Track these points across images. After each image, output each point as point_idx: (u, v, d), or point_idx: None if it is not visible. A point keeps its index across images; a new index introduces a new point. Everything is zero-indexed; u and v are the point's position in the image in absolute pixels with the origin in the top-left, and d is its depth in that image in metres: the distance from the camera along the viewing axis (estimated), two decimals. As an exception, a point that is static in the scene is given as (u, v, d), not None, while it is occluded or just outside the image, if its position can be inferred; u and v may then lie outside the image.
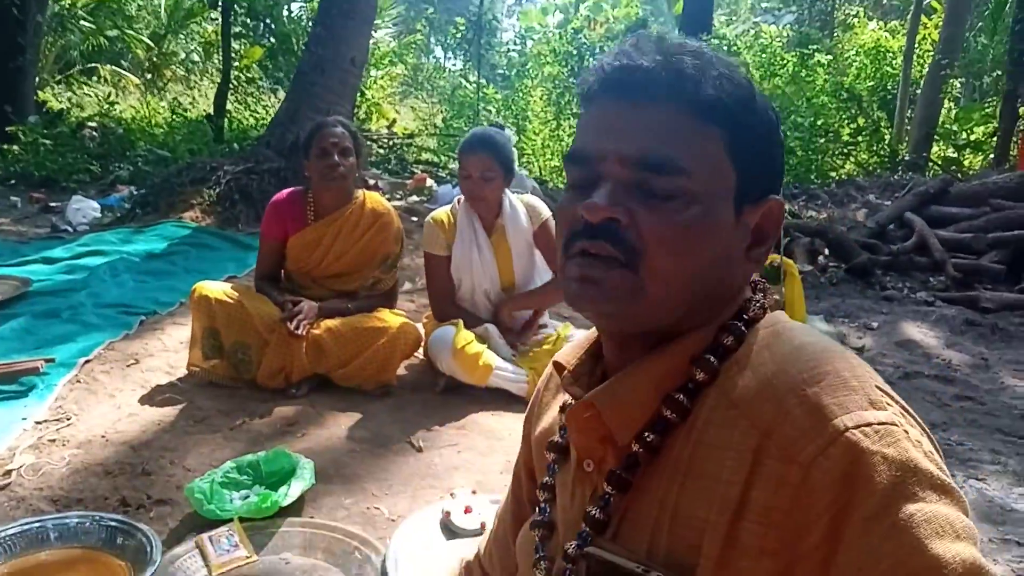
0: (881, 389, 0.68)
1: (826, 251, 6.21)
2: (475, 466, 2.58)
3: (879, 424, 0.64)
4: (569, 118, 12.51)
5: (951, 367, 3.99)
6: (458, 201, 3.31)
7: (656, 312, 0.75)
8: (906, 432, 0.65)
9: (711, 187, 0.73)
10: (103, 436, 2.64)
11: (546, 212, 3.34)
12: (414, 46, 15.69)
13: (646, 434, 0.74)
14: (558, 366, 0.88)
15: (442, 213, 3.33)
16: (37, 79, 11.09)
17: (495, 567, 1.10)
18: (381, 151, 10.14)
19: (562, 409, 0.90)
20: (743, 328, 0.76)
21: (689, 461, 0.71)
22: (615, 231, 0.72)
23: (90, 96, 12.76)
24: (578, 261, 0.75)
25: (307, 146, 3.19)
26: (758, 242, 0.79)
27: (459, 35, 14.80)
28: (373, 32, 11.01)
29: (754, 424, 0.67)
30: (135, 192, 7.00)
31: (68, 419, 2.75)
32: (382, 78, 13.66)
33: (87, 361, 3.25)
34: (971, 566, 0.59)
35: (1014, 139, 10.73)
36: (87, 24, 13.40)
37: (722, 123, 0.73)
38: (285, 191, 3.39)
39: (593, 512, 0.77)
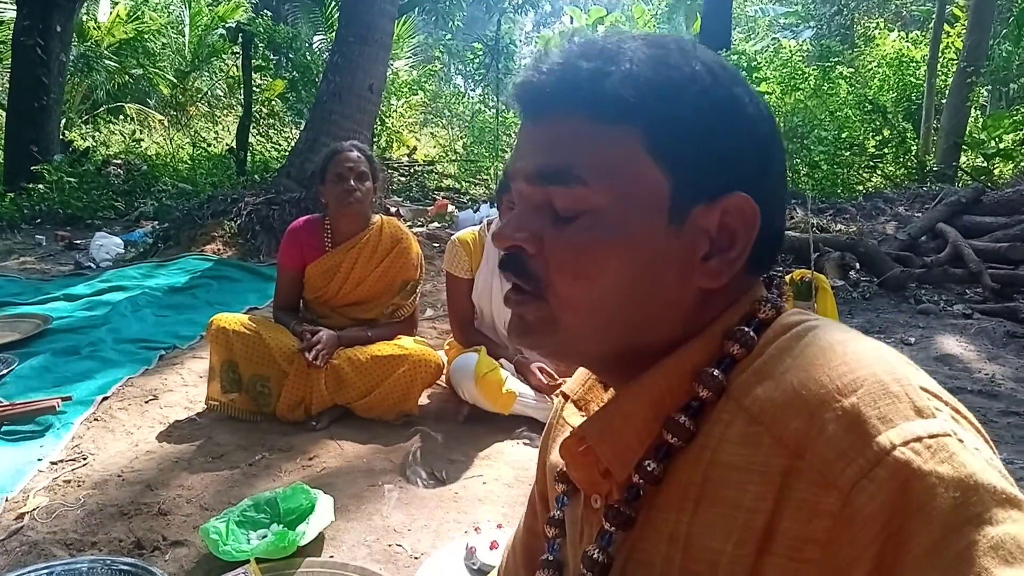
0: (927, 391, 0.58)
1: (857, 265, 6.06)
2: (501, 498, 2.48)
3: (930, 437, 0.54)
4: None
5: (994, 382, 3.84)
6: (487, 224, 3.22)
7: (580, 342, 0.69)
8: (961, 442, 0.55)
9: (625, 197, 0.65)
10: (119, 475, 2.58)
11: None
12: (433, 74, 15.78)
13: (647, 462, 0.65)
14: (564, 395, 0.82)
15: (468, 234, 3.24)
16: (64, 119, 11.24)
17: None
18: (402, 179, 10.14)
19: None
20: (752, 334, 0.66)
21: (702, 485, 0.62)
22: (520, 261, 0.69)
23: (116, 134, 12.92)
24: (508, 292, 0.73)
25: (323, 171, 3.14)
26: (723, 248, 0.67)
27: (477, 60, 14.85)
28: (392, 62, 11.05)
29: (781, 442, 0.57)
30: (158, 227, 7.02)
31: (84, 459, 2.70)
32: (402, 107, 13.71)
33: (105, 398, 3.20)
34: None
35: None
36: (112, 63, 13.61)
37: (636, 120, 0.65)
38: (302, 219, 3.35)
39: (593, 553, 0.68)
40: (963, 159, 11.75)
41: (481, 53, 14.80)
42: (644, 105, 0.65)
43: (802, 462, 0.56)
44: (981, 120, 12.99)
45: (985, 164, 11.53)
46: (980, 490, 0.52)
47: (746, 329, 0.66)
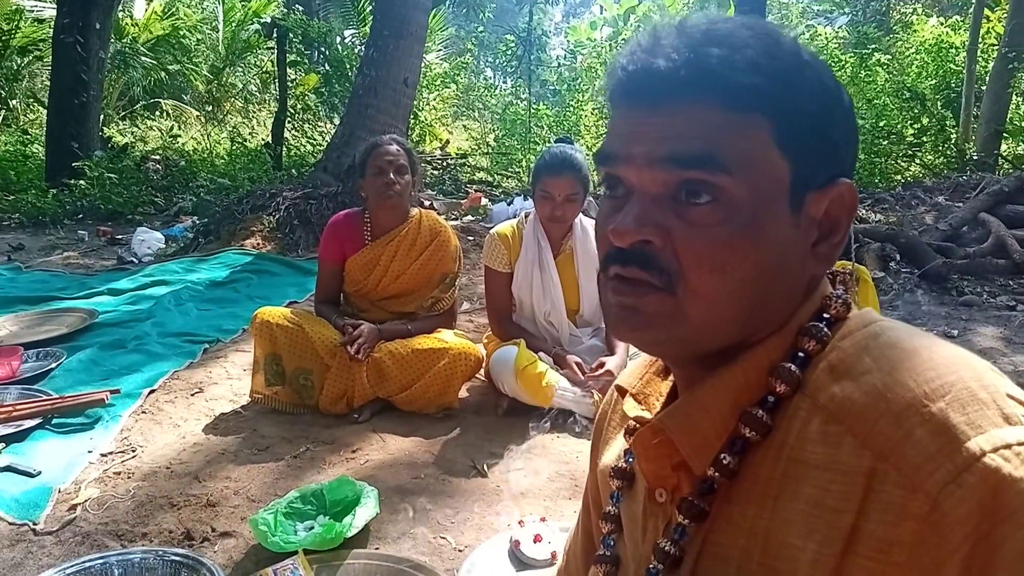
0: (1014, 398, 0.58)
1: (898, 256, 5.97)
2: (543, 491, 2.49)
3: (1019, 444, 0.54)
4: (622, 131, 12.34)
5: (1042, 374, 3.77)
6: (525, 216, 3.23)
7: (702, 335, 0.67)
8: None
9: (757, 187, 0.64)
10: (168, 467, 2.63)
11: None
12: (465, 66, 15.81)
13: (723, 456, 0.66)
14: (620, 389, 0.81)
15: (507, 227, 3.25)
16: (102, 115, 11.42)
17: None
18: (435, 172, 10.17)
19: (627, 433, 0.80)
20: (826, 330, 0.66)
21: (781, 482, 0.62)
22: (647, 254, 0.66)
23: (153, 130, 13.11)
24: (614, 286, 0.69)
25: (362, 165, 3.17)
26: (827, 235, 0.69)
27: (509, 52, 14.85)
28: (424, 54, 11.10)
29: (865, 444, 0.58)
30: (197, 222, 7.12)
31: (133, 451, 2.75)
32: (435, 100, 13.76)
33: (152, 391, 3.26)
34: None
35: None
36: (148, 60, 13.80)
37: (764, 110, 0.64)
38: (342, 212, 3.39)
39: (664, 545, 0.68)
40: (1004, 147, 11.52)
41: (513, 45, 14.78)
42: (772, 94, 0.64)
43: (887, 464, 0.56)
44: (1023, 107, 12.73)
45: (1027, 152, 11.29)
46: None
47: (820, 325, 0.67)
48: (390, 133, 4.37)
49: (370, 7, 10.00)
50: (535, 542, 2.09)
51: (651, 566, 0.69)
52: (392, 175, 3.10)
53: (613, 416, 0.92)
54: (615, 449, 0.87)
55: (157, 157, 10.38)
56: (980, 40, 12.10)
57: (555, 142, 3.26)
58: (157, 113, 14.34)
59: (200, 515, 2.32)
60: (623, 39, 14.02)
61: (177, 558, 2.02)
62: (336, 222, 3.32)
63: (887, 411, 0.58)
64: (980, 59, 12.14)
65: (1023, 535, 0.52)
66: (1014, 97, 12.43)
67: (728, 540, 0.65)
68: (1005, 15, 12.17)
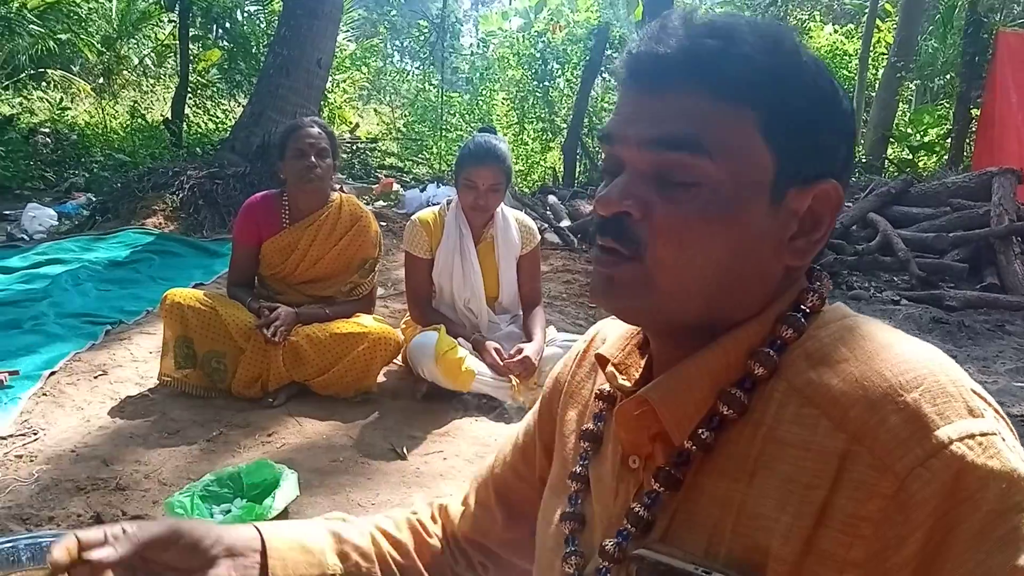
0: (977, 393, 0.65)
1: (793, 252, 6.25)
2: (462, 473, 2.53)
3: (981, 435, 0.61)
4: (533, 121, 12.48)
5: (924, 365, 4.03)
6: (447, 203, 3.25)
7: (671, 305, 0.71)
8: (1004, 440, 0.62)
9: (738, 175, 0.68)
10: (73, 451, 2.54)
11: (537, 238, 3.29)
12: (377, 51, 15.58)
13: (700, 431, 0.70)
14: (601, 359, 0.84)
15: (428, 214, 3.25)
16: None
17: (469, 529, 1.03)
18: (344, 156, 10.03)
19: (599, 397, 0.85)
20: (802, 320, 0.71)
21: (757, 458, 0.67)
22: (624, 225, 0.70)
23: (42, 101, 12.42)
24: (595, 255, 0.74)
25: (282, 147, 3.11)
26: (808, 230, 0.73)
27: (422, 38, 14.71)
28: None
29: (840, 427, 0.63)
30: (93, 199, 6.81)
31: (35, 434, 2.65)
32: (344, 82, 13.52)
33: (52, 373, 3.13)
34: None
35: (967, 140, 10.96)
36: (36, 28, 13.03)
37: (754, 103, 0.68)
38: (259, 194, 3.32)
39: (637, 510, 0.72)
40: (890, 151, 12.17)
41: (426, 30, 14.67)
42: (763, 89, 0.68)
43: (861, 447, 0.62)
44: (908, 114, 13.47)
45: (910, 156, 11.97)
46: (1022, 482, 0.59)
47: (797, 315, 0.71)
48: (302, 114, 4.30)
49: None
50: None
51: (623, 528, 0.73)
52: (313, 158, 3.06)
53: (578, 371, 0.94)
54: (583, 406, 0.90)
55: (47, 130, 9.86)
56: (871, 49, 12.73)
57: (479, 131, 3.28)
58: (44, 84, 13.56)
59: (109, 499, 2.26)
60: (535, 31, 14.10)
61: (90, 542, 1.96)
62: (252, 204, 3.26)
63: (863, 398, 0.63)
64: (870, 67, 12.78)
65: (979, 516, 0.58)
66: (900, 105, 13.15)
67: (701, 509, 0.69)
68: (895, 26, 12.84)
